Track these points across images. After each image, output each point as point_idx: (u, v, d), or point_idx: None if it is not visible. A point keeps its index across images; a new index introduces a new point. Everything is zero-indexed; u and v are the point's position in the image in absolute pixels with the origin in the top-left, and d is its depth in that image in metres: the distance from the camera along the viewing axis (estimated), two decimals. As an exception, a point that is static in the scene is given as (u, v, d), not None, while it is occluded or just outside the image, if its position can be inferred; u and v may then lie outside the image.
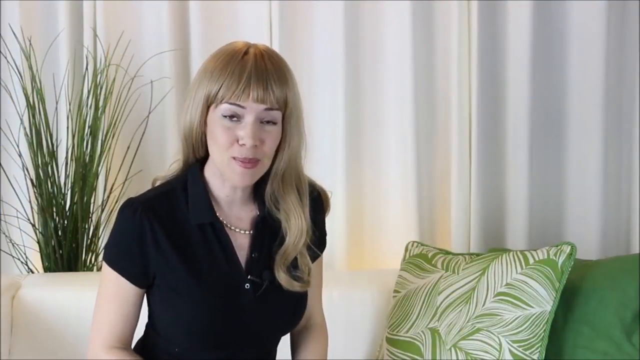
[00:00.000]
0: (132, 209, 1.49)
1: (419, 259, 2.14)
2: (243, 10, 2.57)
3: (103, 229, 2.51)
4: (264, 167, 1.49)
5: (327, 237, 1.69)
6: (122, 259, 1.50)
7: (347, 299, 2.18)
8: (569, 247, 1.90)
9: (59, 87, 2.53)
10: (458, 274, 2.02)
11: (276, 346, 1.64)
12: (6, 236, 2.53)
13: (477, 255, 2.08)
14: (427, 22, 2.53)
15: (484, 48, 2.49)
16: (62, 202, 2.46)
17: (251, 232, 1.56)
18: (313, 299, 1.66)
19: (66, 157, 2.47)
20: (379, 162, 2.59)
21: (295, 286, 1.54)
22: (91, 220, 2.48)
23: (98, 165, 2.46)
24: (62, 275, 2.39)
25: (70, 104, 2.50)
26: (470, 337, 1.89)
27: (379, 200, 2.60)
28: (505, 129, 2.54)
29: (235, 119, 1.44)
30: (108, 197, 2.51)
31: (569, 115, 2.54)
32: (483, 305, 1.90)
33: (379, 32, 2.55)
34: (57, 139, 2.51)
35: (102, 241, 2.50)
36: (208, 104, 1.46)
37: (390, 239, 2.58)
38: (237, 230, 1.55)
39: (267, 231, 1.56)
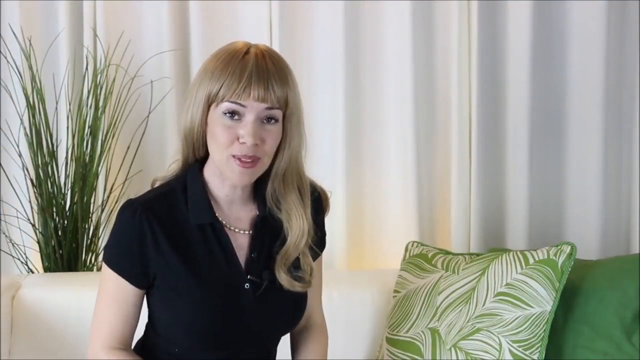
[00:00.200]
0: (132, 210, 1.49)
1: (419, 259, 2.14)
2: (243, 10, 2.57)
3: (103, 229, 2.51)
4: (263, 166, 1.49)
5: (327, 237, 1.69)
6: (122, 259, 1.50)
7: (347, 299, 2.18)
8: (569, 247, 1.90)
9: (59, 87, 2.53)
10: (458, 274, 2.02)
11: (276, 346, 1.64)
12: (6, 236, 2.53)
13: (477, 255, 2.08)
14: (427, 22, 2.53)
15: (484, 48, 2.49)
16: (62, 202, 2.46)
17: (251, 232, 1.56)
18: (313, 299, 1.66)
19: (66, 157, 2.47)
20: (379, 162, 2.59)
21: (296, 286, 1.54)
22: (91, 220, 2.48)
23: (98, 165, 2.46)
24: (62, 275, 2.39)
25: (70, 104, 2.50)
26: (470, 337, 1.89)
27: (379, 200, 2.60)
28: (505, 129, 2.54)
29: (236, 117, 1.44)
30: (108, 197, 2.51)
31: (569, 115, 2.54)
32: (483, 305, 1.90)
33: (379, 32, 2.55)
34: (57, 139, 2.51)
35: (102, 241, 2.50)
36: (209, 103, 1.46)
37: (390, 239, 2.58)
38: (237, 230, 1.55)
39: (267, 231, 1.56)
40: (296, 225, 1.53)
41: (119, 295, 1.51)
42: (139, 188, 2.34)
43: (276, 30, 2.51)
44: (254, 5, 2.55)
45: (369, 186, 2.60)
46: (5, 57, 2.49)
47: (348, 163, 2.54)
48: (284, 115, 1.48)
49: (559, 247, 1.91)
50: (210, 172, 1.54)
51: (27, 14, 2.58)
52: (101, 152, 2.46)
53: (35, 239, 2.49)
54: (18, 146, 2.48)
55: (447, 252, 2.15)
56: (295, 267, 1.55)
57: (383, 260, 2.58)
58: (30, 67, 2.44)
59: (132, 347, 1.59)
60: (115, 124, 2.48)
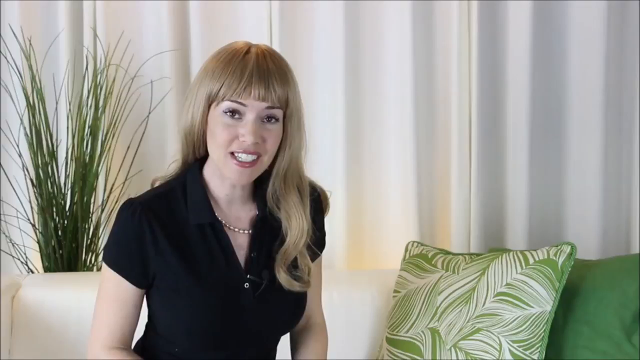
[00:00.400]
0: (131, 210, 1.49)
1: (419, 259, 2.14)
2: (243, 10, 2.57)
3: (103, 229, 2.51)
4: (263, 165, 1.49)
5: (327, 237, 1.69)
6: (121, 259, 1.50)
7: (347, 299, 2.18)
8: (569, 247, 1.90)
9: (59, 87, 2.53)
10: (458, 274, 2.02)
11: (276, 346, 1.64)
12: (6, 236, 2.53)
13: (477, 255, 2.08)
14: (427, 22, 2.53)
15: (484, 48, 2.49)
16: (62, 202, 2.46)
17: (250, 231, 1.56)
18: (313, 299, 1.66)
19: (66, 157, 2.47)
20: (378, 162, 2.59)
21: (295, 286, 1.54)
22: (91, 220, 2.48)
23: (98, 165, 2.46)
24: (62, 275, 2.39)
25: (70, 104, 2.50)
26: (470, 337, 1.89)
27: (379, 200, 2.60)
28: (505, 129, 2.54)
29: (236, 116, 1.44)
30: (108, 197, 2.51)
31: (569, 115, 2.54)
32: (483, 305, 1.90)
33: (379, 32, 2.55)
34: (57, 139, 2.51)
35: (102, 241, 2.50)
36: (209, 103, 1.46)
37: (390, 239, 2.58)
38: (236, 229, 1.55)
39: (267, 231, 1.56)
40: (295, 225, 1.53)
41: (119, 295, 1.51)
42: (139, 188, 2.34)
43: (276, 30, 2.51)
44: (254, 5, 2.55)
45: (369, 186, 2.59)
46: (5, 57, 2.49)
47: (348, 163, 2.54)
48: (285, 115, 1.48)
49: (559, 247, 1.91)
50: (210, 172, 1.54)
51: (27, 14, 2.58)
52: (101, 152, 2.46)
53: (35, 239, 2.49)
54: (18, 146, 2.48)
55: (447, 252, 2.15)
56: (294, 266, 1.55)
57: (383, 260, 2.58)
58: (30, 67, 2.44)
59: (132, 347, 1.59)
60: (115, 124, 2.48)
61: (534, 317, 1.86)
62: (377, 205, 2.60)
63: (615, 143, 2.54)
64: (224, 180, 1.53)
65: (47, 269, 2.48)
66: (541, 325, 1.86)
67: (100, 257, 2.48)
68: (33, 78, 2.44)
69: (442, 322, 1.96)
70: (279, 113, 1.47)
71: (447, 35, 2.52)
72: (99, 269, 2.48)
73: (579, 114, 2.53)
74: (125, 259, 1.50)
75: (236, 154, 1.45)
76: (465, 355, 1.88)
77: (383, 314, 2.16)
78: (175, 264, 1.49)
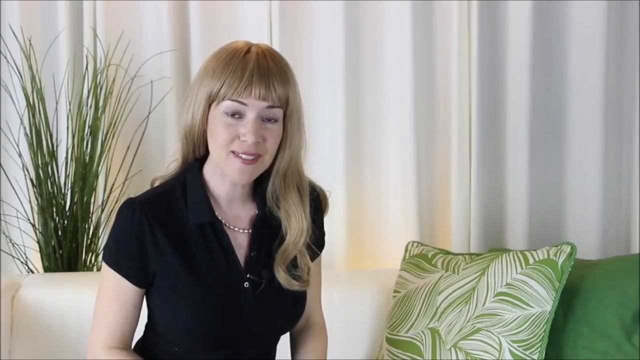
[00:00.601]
0: (131, 209, 1.49)
1: (419, 259, 2.14)
2: (243, 10, 2.57)
3: (103, 229, 2.51)
4: (264, 164, 1.49)
5: (327, 237, 1.69)
6: (121, 259, 1.50)
7: (347, 299, 2.18)
8: (569, 247, 1.90)
9: (59, 87, 2.53)
10: (458, 274, 2.02)
11: (275, 345, 1.64)
12: (6, 236, 2.53)
13: (477, 255, 2.08)
14: (427, 22, 2.53)
15: (484, 48, 2.49)
16: (62, 202, 2.46)
17: (250, 231, 1.56)
18: (312, 299, 1.66)
19: (66, 157, 2.47)
20: (379, 162, 2.59)
21: (295, 285, 1.54)
22: (91, 220, 2.48)
23: (98, 165, 2.46)
24: (62, 275, 2.39)
25: (70, 104, 2.50)
26: (470, 337, 1.89)
27: (379, 200, 2.60)
28: (505, 129, 2.53)
29: (237, 116, 1.44)
30: (108, 197, 2.51)
31: (569, 115, 2.54)
32: (483, 305, 1.90)
33: (379, 32, 2.55)
34: (57, 139, 2.51)
35: (102, 241, 2.50)
36: (210, 102, 1.46)
37: (390, 239, 2.58)
38: (236, 229, 1.55)
39: (266, 230, 1.56)
40: (295, 224, 1.53)
41: (119, 295, 1.51)
42: (139, 188, 2.33)
43: (276, 30, 2.51)
44: (254, 5, 2.55)
45: (369, 186, 2.59)
46: (5, 57, 2.49)
47: (348, 163, 2.54)
48: (285, 114, 1.48)
49: (559, 247, 1.91)
50: (210, 171, 1.54)
51: (27, 14, 2.58)
52: (101, 152, 2.46)
53: (35, 239, 2.49)
54: (18, 146, 2.48)
55: (447, 252, 2.15)
56: (294, 265, 1.56)
57: (383, 260, 2.58)
58: (30, 67, 2.44)
59: (132, 347, 1.59)
60: (115, 124, 2.48)
61: (534, 317, 1.86)
62: (377, 205, 2.60)
63: (615, 143, 2.54)
64: (224, 179, 1.53)
65: (47, 269, 2.48)
66: (541, 325, 1.86)
67: (100, 257, 2.47)
68: (33, 78, 2.44)
69: (442, 322, 1.96)
70: (279, 112, 1.47)
71: (447, 35, 2.52)
72: (99, 269, 2.48)
73: (579, 114, 2.53)
74: (125, 258, 1.50)
75: (237, 153, 1.45)
76: (465, 355, 1.88)
77: (383, 314, 2.16)
78: (175, 263, 1.49)
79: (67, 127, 2.48)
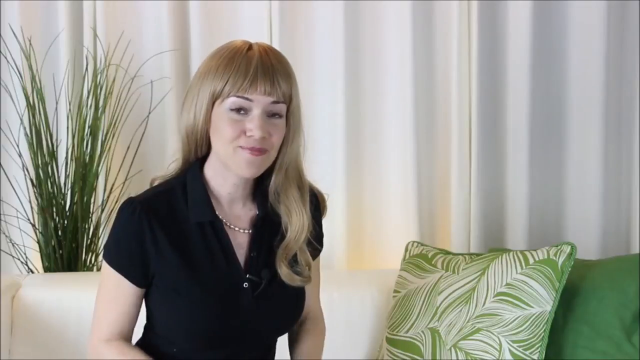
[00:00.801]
0: (131, 208, 1.49)
1: (419, 259, 2.14)
2: (243, 10, 2.57)
3: (103, 229, 2.51)
4: (270, 159, 1.49)
5: (327, 237, 1.70)
6: (121, 258, 1.51)
7: (347, 299, 2.18)
8: (569, 247, 1.90)
9: (59, 87, 2.53)
10: (458, 274, 2.02)
11: (275, 345, 1.64)
12: (6, 236, 2.53)
13: (477, 255, 2.08)
14: (427, 22, 2.53)
15: (484, 48, 2.49)
16: (62, 202, 2.46)
17: (250, 231, 1.56)
18: (311, 294, 1.67)
19: (66, 157, 2.47)
20: (379, 162, 2.59)
21: (297, 280, 1.54)
22: (91, 220, 2.48)
23: (98, 165, 2.46)
24: (62, 275, 2.39)
25: (70, 104, 2.50)
26: (470, 337, 1.89)
27: (379, 201, 2.60)
28: (505, 129, 2.54)
29: (242, 112, 1.45)
30: (108, 197, 2.51)
31: (569, 116, 2.54)
32: (483, 305, 1.90)
33: (379, 32, 2.55)
34: (57, 139, 2.51)
35: (102, 241, 2.50)
36: (213, 100, 1.46)
37: (390, 239, 2.58)
38: (237, 229, 1.55)
39: (267, 230, 1.56)
40: (296, 219, 1.53)
41: (118, 293, 1.51)
42: (139, 188, 2.33)
43: (276, 30, 2.51)
44: (254, 5, 2.55)
45: (369, 186, 2.59)
46: (5, 57, 2.49)
47: (348, 163, 2.54)
48: (288, 110, 1.49)
49: (559, 247, 1.91)
50: (211, 170, 1.54)
51: (27, 14, 2.58)
52: (101, 152, 2.46)
53: (35, 239, 2.49)
54: (18, 146, 2.48)
55: (447, 252, 2.15)
56: (295, 261, 1.56)
57: (383, 260, 2.58)
58: (30, 67, 2.44)
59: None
60: (115, 124, 2.48)
61: (534, 317, 1.86)
62: (377, 205, 2.60)
63: (615, 143, 2.54)
64: (226, 179, 1.53)
65: (47, 269, 2.48)
66: (541, 325, 1.86)
67: (100, 257, 2.48)
68: (33, 78, 2.44)
69: (442, 322, 1.96)
70: (283, 108, 1.47)
71: (447, 35, 2.52)
72: (99, 269, 2.48)
73: (579, 114, 2.53)
74: (125, 257, 1.50)
75: (244, 148, 1.45)
76: (465, 355, 1.88)
77: (383, 314, 2.16)
78: (174, 262, 1.49)
79: (67, 127, 2.48)
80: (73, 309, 2.15)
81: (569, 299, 1.95)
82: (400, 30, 2.51)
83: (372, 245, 2.61)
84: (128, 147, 2.52)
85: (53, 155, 2.45)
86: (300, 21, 2.54)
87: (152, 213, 1.49)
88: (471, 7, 2.49)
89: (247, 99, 1.44)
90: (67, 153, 2.47)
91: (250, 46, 1.47)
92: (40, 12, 2.60)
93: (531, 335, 1.85)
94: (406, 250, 2.21)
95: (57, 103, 2.53)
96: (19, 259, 2.51)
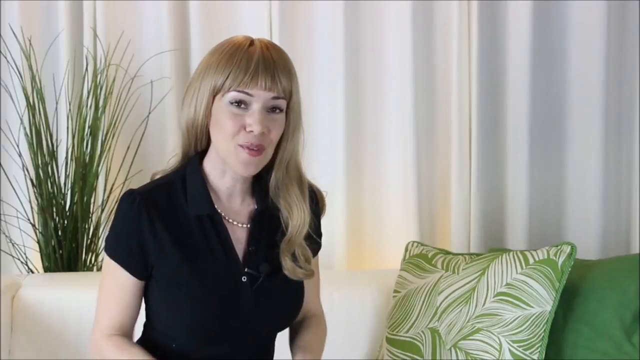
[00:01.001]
0: (131, 199, 1.50)
1: (419, 259, 2.14)
2: (243, 10, 2.57)
3: (103, 229, 2.51)
4: (267, 156, 1.49)
5: (327, 237, 1.70)
6: (120, 250, 1.51)
7: (347, 299, 2.18)
8: (569, 247, 1.90)
9: (59, 87, 2.53)
10: (458, 274, 2.02)
11: (274, 341, 1.64)
12: (6, 236, 2.53)
13: (477, 255, 2.08)
14: (427, 22, 2.53)
15: (484, 48, 2.49)
16: (62, 202, 2.46)
17: (249, 225, 1.56)
18: (310, 291, 1.67)
19: (66, 157, 2.48)
20: (379, 162, 2.59)
21: (299, 274, 1.54)
22: (91, 220, 2.49)
23: (98, 165, 2.46)
24: (62, 275, 2.39)
25: (70, 104, 2.50)
26: (470, 337, 1.89)
27: (379, 200, 2.60)
28: (505, 129, 2.54)
29: (243, 106, 1.45)
30: (108, 197, 2.51)
31: (569, 116, 2.54)
32: (483, 305, 1.90)
33: (379, 32, 2.55)
34: (57, 139, 2.51)
35: (102, 241, 2.50)
36: (214, 94, 1.47)
37: (390, 239, 2.58)
38: (235, 223, 1.55)
39: (266, 225, 1.56)
40: (297, 214, 1.54)
41: (119, 285, 1.52)
42: (139, 188, 2.34)
43: (276, 30, 2.51)
44: (254, 5, 2.55)
45: (369, 186, 2.60)
46: (5, 57, 2.49)
47: (348, 163, 2.54)
48: (288, 106, 1.49)
49: (559, 247, 1.91)
50: (210, 165, 1.54)
51: (27, 14, 2.58)
52: (101, 152, 2.46)
53: (35, 239, 2.49)
54: (18, 146, 2.48)
55: (447, 252, 2.15)
56: (294, 257, 1.56)
57: (383, 260, 2.58)
58: (30, 67, 2.44)
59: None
60: (115, 124, 2.48)
61: (534, 317, 1.86)
62: (377, 205, 2.60)
63: (615, 143, 2.54)
64: (225, 172, 1.53)
65: (47, 269, 2.48)
66: (541, 325, 1.86)
67: (101, 257, 2.48)
68: (33, 78, 2.44)
69: (442, 322, 1.96)
70: (283, 104, 1.48)
71: (447, 35, 2.52)
72: (99, 269, 2.48)
73: (579, 114, 2.53)
74: (125, 249, 1.50)
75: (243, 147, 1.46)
76: (465, 355, 1.88)
77: (383, 314, 2.16)
78: (173, 254, 1.49)
79: (67, 127, 2.48)
80: (73, 309, 2.15)
81: (569, 299, 1.95)
82: (400, 30, 2.51)
83: (372, 245, 2.61)
84: (128, 147, 2.52)
85: (53, 155, 2.45)
86: (300, 21, 2.55)
87: (151, 205, 1.49)
88: (471, 7, 2.49)
89: (247, 93, 1.44)
90: (67, 153, 2.47)
91: (251, 42, 1.48)
92: (40, 12, 2.60)
93: (531, 335, 1.85)
94: (406, 250, 2.21)
95: (57, 103, 2.53)
96: (19, 259, 2.51)
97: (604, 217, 2.53)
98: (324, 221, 1.67)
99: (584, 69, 2.50)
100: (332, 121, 2.54)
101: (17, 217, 2.52)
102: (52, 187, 2.44)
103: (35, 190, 2.45)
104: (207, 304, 1.49)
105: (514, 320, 1.86)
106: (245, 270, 1.53)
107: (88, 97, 2.47)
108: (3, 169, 2.54)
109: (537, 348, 1.85)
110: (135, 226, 1.49)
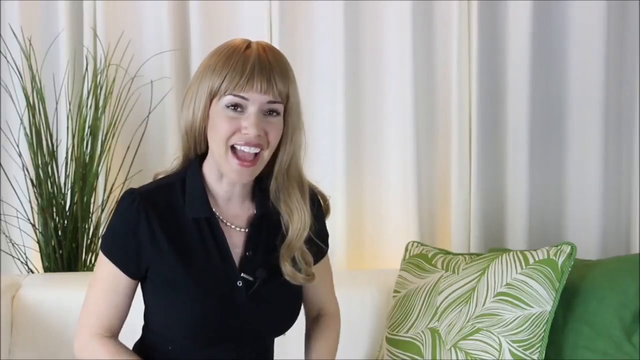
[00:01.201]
0: (131, 199, 1.50)
1: (419, 259, 2.14)
2: (243, 10, 2.57)
3: (103, 229, 2.51)
4: (263, 161, 1.49)
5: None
6: (116, 248, 1.51)
7: (347, 299, 2.16)
8: (569, 247, 1.90)
9: (59, 87, 2.53)
10: (458, 274, 2.02)
11: (272, 345, 1.64)
12: (6, 236, 2.53)
13: (477, 255, 2.08)
14: (427, 22, 2.53)
15: (484, 48, 2.49)
16: (62, 202, 2.46)
17: (247, 230, 1.56)
18: (323, 291, 1.69)
19: (66, 157, 2.48)
20: (379, 162, 2.59)
21: (299, 278, 1.54)
22: (91, 220, 2.49)
23: (98, 165, 2.46)
24: (62, 275, 2.39)
25: (70, 104, 2.50)
26: (470, 337, 1.89)
27: (379, 201, 2.60)
28: (505, 129, 2.54)
29: (238, 109, 1.45)
30: (108, 197, 2.51)
31: (569, 116, 2.55)
32: (483, 305, 1.90)
33: (379, 32, 2.55)
34: (57, 139, 2.51)
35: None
36: (211, 97, 1.47)
37: (390, 239, 2.58)
38: (233, 226, 1.55)
39: (265, 229, 1.56)
40: (297, 217, 1.54)
41: (111, 283, 1.52)
42: (139, 188, 2.34)
43: (276, 30, 2.51)
44: (254, 5, 2.55)
45: (369, 186, 2.60)
46: (5, 57, 2.49)
47: (348, 163, 2.54)
48: (285, 109, 1.49)
49: (559, 247, 1.91)
50: (209, 168, 1.54)
51: (27, 14, 2.58)
52: (101, 152, 2.46)
53: (35, 239, 2.49)
54: (18, 146, 2.48)
55: (447, 252, 2.15)
56: (294, 261, 1.56)
57: (383, 260, 2.58)
58: (30, 67, 2.44)
59: (130, 348, 1.59)
60: (115, 124, 2.48)
61: (534, 317, 1.86)
62: (377, 205, 2.60)
63: (615, 143, 2.55)
64: (222, 177, 1.53)
65: (47, 269, 2.48)
66: (541, 325, 1.86)
67: (100, 257, 2.48)
68: (33, 78, 2.44)
69: (442, 322, 1.96)
70: (280, 107, 1.47)
71: (447, 35, 2.52)
72: (99, 269, 2.48)
73: (579, 114, 2.53)
74: (120, 248, 1.50)
75: (238, 147, 1.45)
76: (465, 355, 1.88)
77: (383, 314, 2.16)
78: (170, 256, 1.49)
79: (67, 127, 2.48)
80: (73, 309, 2.14)
81: (569, 299, 1.95)
82: (400, 30, 2.51)
83: (372, 245, 2.61)
84: (128, 147, 2.52)
85: (53, 155, 2.46)
86: (300, 21, 2.55)
87: (150, 206, 1.49)
88: (471, 7, 2.49)
89: (242, 97, 1.44)
90: (67, 153, 2.47)
91: (248, 44, 1.48)
92: (40, 12, 2.60)
93: (531, 335, 1.85)
94: (406, 250, 2.21)
95: (57, 103, 2.53)
96: (19, 259, 2.51)
97: (604, 217, 2.53)
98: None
99: (584, 69, 2.50)
100: (332, 121, 2.54)
101: (17, 217, 2.52)
102: (52, 187, 2.44)
103: (35, 190, 2.45)
104: (201, 305, 1.49)
105: (514, 320, 1.86)
106: (241, 275, 1.52)
107: (88, 97, 2.47)
108: (3, 169, 2.54)
109: (537, 348, 1.85)
110: (133, 226, 1.49)
